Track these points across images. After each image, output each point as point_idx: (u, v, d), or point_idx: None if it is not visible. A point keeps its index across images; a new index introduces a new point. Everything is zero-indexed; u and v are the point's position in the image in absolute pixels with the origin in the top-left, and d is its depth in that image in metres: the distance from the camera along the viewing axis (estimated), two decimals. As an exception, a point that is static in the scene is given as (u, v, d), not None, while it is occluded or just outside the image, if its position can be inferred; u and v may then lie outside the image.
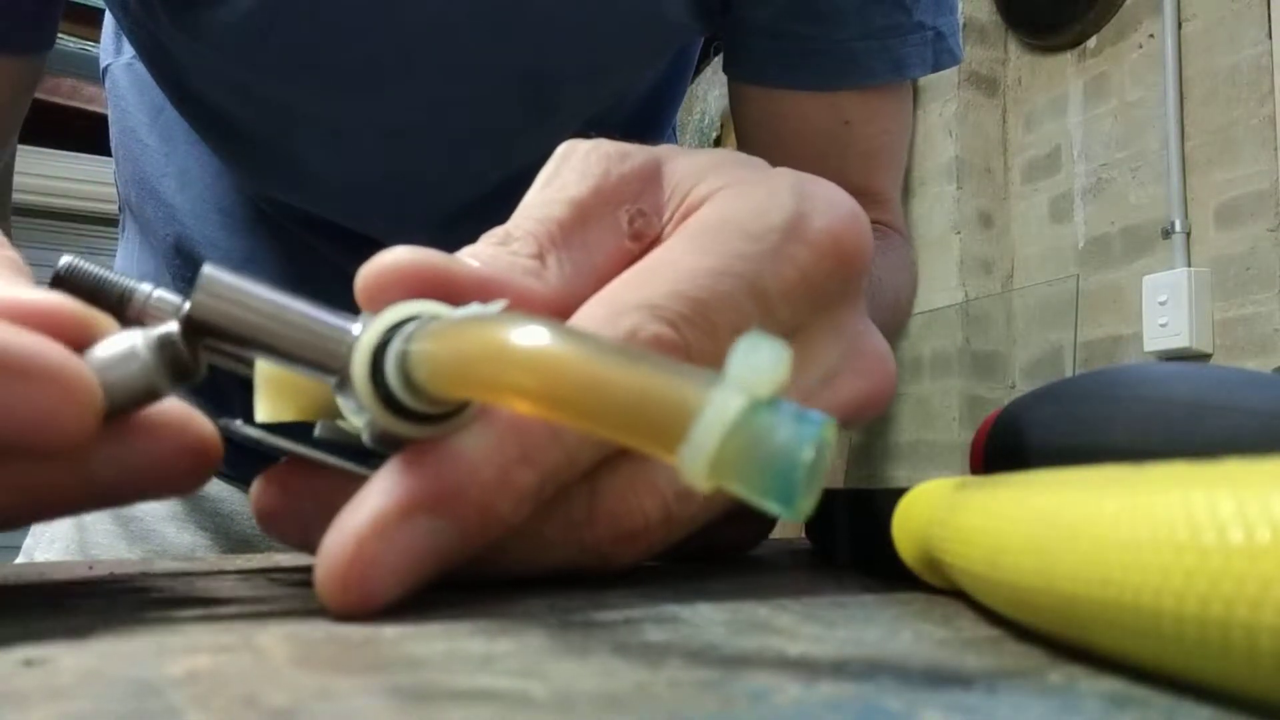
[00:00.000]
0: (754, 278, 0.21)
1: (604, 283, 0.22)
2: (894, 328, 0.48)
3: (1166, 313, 1.61)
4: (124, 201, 0.59)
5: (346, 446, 0.20)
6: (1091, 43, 1.83)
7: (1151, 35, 1.71)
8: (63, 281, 0.20)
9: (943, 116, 2.05)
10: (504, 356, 0.14)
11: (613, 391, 0.13)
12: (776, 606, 0.19)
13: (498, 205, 0.49)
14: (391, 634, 0.15)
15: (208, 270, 0.18)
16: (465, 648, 0.14)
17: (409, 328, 0.17)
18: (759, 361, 0.12)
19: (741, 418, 0.12)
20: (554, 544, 0.20)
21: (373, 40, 0.44)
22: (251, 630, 0.15)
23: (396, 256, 0.19)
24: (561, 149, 0.24)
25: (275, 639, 0.15)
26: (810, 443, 0.12)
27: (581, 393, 0.13)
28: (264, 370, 0.20)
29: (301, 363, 0.18)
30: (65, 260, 0.20)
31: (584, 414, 0.13)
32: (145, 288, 0.20)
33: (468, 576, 0.19)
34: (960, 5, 2.03)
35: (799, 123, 0.50)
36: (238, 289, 0.18)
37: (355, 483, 0.19)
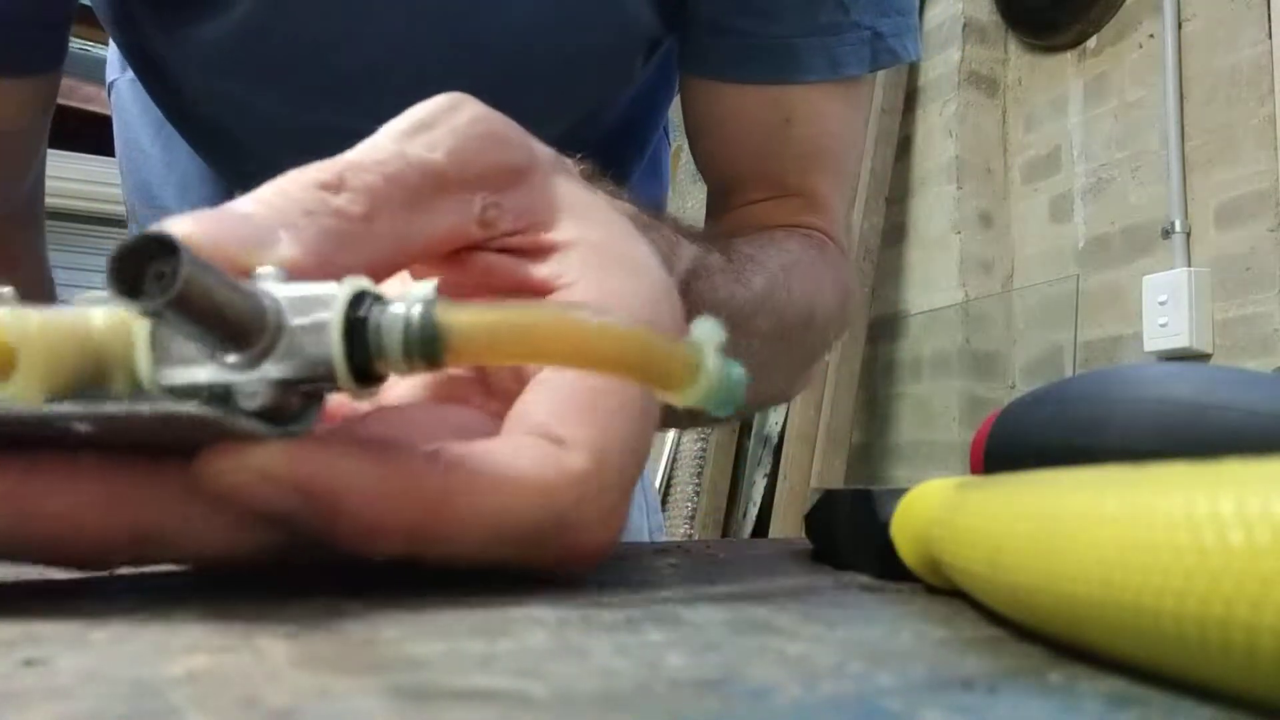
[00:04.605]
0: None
1: (434, 251, 0.21)
2: (809, 345, 0.47)
3: (1166, 313, 1.61)
4: (130, 212, 0.60)
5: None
6: (1091, 43, 1.83)
7: (1151, 35, 1.71)
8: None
9: (943, 116, 2.05)
10: (562, 324, 0.17)
11: (635, 351, 0.17)
12: (776, 606, 0.19)
13: None
14: (391, 634, 0.15)
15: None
16: (465, 648, 0.14)
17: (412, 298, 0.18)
18: (710, 332, 0.18)
19: (726, 364, 0.18)
20: None
21: (351, 55, 0.45)
22: (251, 630, 0.15)
23: (185, 231, 0.18)
24: (450, 100, 0.23)
25: (275, 639, 0.15)
26: (744, 374, 0.18)
27: (616, 352, 0.17)
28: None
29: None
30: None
31: (619, 367, 0.17)
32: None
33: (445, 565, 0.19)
34: (960, 5, 2.04)
35: (740, 118, 0.50)
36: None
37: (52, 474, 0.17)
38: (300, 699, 0.11)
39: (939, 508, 0.20)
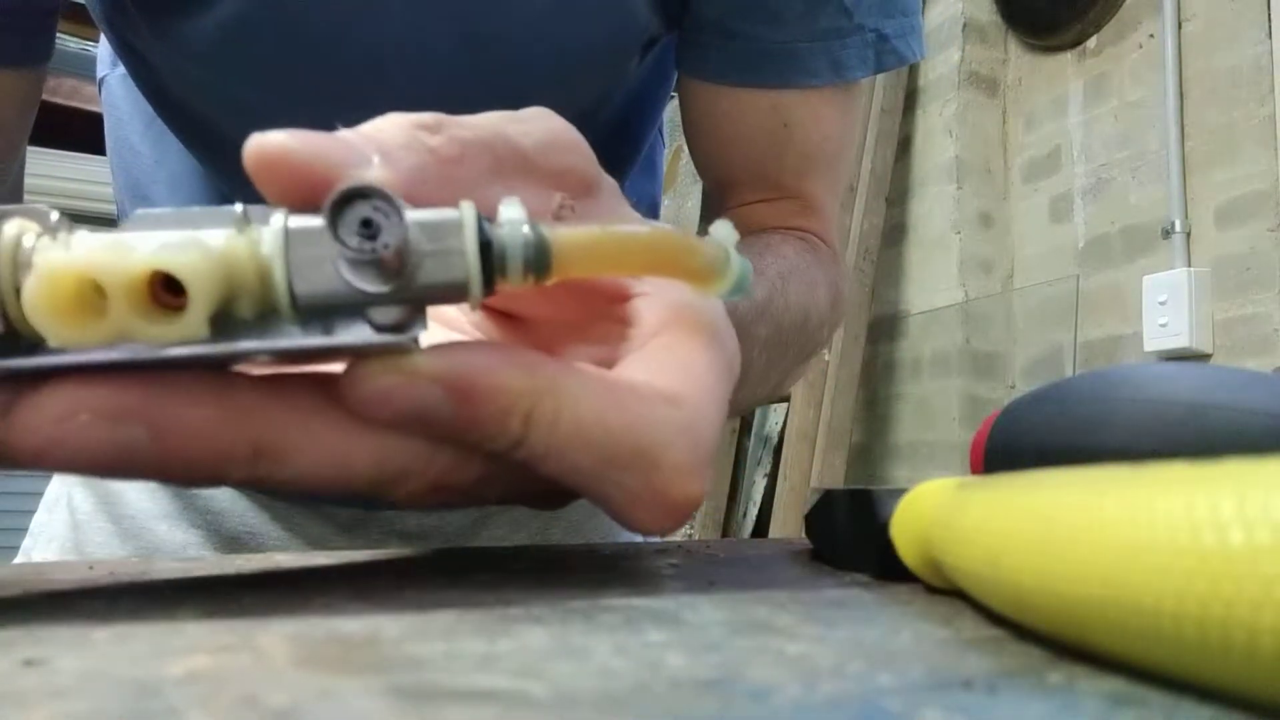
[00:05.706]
0: None
1: None
2: (803, 347, 0.48)
3: (1166, 313, 1.61)
4: (120, 210, 0.60)
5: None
6: (1091, 43, 1.83)
7: (1151, 35, 1.71)
8: None
9: (943, 116, 2.05)
10: (642, 238, 0.21)
11: (694, 255, 0.21)
12: (776, 606, 0.19)
13: None
14: (392, 634, 0.15)
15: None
16: (465, 648, 0.14)
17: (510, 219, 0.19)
18: (728, 232, 0.22)
19: (740, 258, 0.22)
20: None
21: (345, 50, 0.45)
22: (251, 630, 0.15)
23: (280, 141, 0.19)
24: (542, 110, 0.25)
25: (275, 639, 0.15)
26: (749, 264, 0.22)
27: (682, 258, 0.21)
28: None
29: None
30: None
31: (683, 271, 0.21)
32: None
33: (459, 565, 0.19)
34: (960, 5, 2.04)
35: (740, 121, 0.51)
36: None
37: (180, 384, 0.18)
38: (300, 699, 0.11)
39: (939, 508, 0.20)
